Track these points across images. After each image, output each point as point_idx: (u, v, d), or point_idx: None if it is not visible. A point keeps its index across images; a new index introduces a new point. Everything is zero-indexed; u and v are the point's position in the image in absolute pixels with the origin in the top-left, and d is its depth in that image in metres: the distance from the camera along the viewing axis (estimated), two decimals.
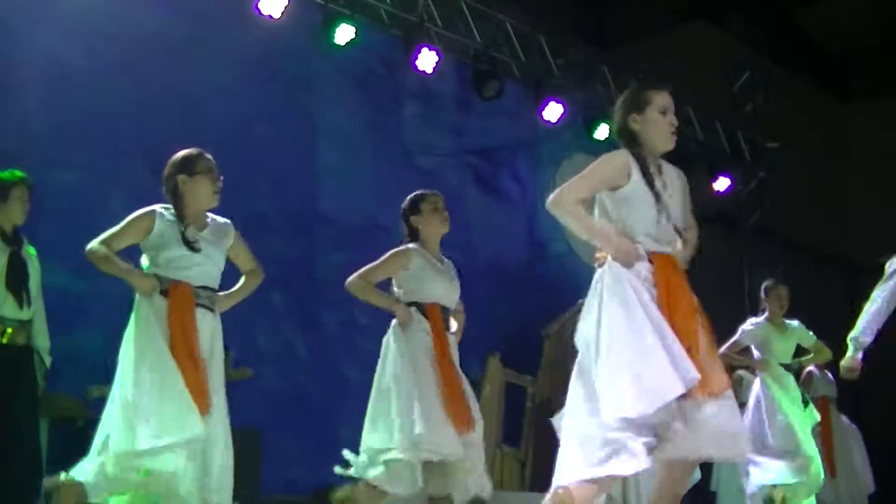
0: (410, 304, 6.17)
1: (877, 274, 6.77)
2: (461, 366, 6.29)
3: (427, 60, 10.98)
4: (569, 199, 4.57)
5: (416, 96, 11.78)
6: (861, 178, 17.58)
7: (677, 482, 4.65)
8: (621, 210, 4.64)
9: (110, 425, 5.08)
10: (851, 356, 6.70)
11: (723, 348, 8.94)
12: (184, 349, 5.10)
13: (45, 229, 7.36)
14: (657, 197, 4.62)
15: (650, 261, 4.56)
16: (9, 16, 8.57)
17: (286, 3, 9.79)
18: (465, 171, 12.11)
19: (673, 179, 4.79)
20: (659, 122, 4.72)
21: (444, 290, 6.26)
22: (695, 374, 4.29)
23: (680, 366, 4.29)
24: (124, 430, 5.01)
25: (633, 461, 4.26)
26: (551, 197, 4.58)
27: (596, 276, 4.64)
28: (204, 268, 5.34)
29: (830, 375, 10.84)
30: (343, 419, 7.59)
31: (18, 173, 6.88)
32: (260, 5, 9.74)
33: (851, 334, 6.69)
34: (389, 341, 6.15)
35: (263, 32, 9.91)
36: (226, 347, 5.47)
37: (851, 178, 17.72)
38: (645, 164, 4.66)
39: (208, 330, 5.31)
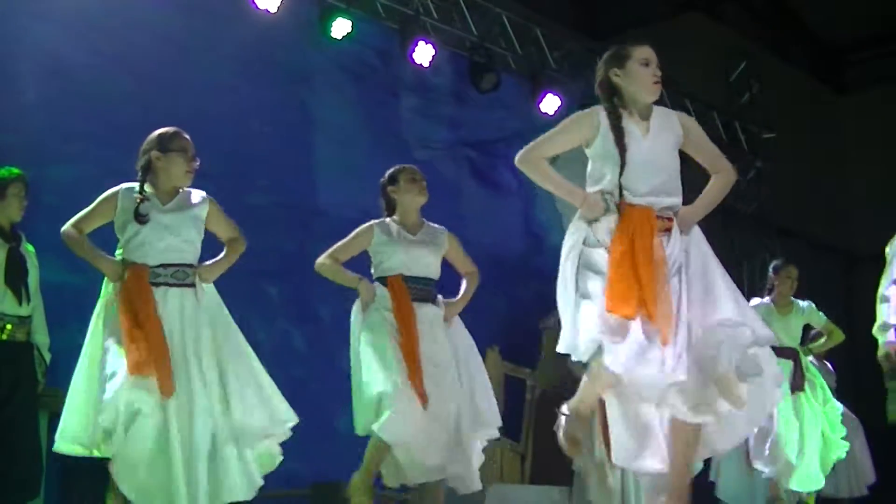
0: (379, 278, 6.25)
1: (873, 262, 6.74)
2: None
3: (423, 53, 10.98)
4: (534, 155, 4.75)
5: (412, 89, 11.76)
6: (857, 168, 17.57)
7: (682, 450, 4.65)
8: (595, 164, 4.72)
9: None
10: (885, 342, 6.55)
11: None
12: (131, 334, 5.10)
13: (42, 225, 7.34)
14: (622, 150, 4.64)
15: (619, 210, 4.60)
16: (5, 10, 8.55)
17: None
18: (463, 163, 12.11)
19: (667, 127, 4.84)
20: (641, 73, 4.79)
21: (410, 258, 6.29)
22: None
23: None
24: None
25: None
26: (519, 154, 4.76)
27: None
28: (166, 242, 5.33)
29: (829, 365, 10.84)
30: (340, 412, 7.57)
31: (15, 170, 6.88)
32: None
33: (878, 324, 6.54)
34: (351, 322, 6.29)
35: (260, 26, 9.90)
36: None
37: (847, 168, 17.71)
38: (618, 118, 4.70)
39: (178, 307, 5.29)
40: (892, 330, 6.40)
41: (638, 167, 4.65)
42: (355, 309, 6.30)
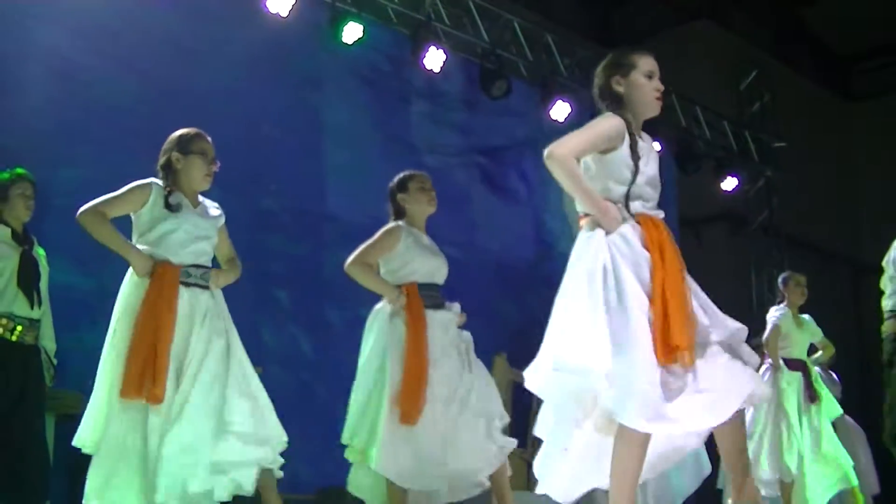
0: (396, 285, 6.18)
1: (881, 272, 6.74)
2: None
3: (434, 59, 10.99)
4: (567, 154, 4.43)
5: (423, 95, 11.77)
6: (866, 178, 17.56)
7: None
8: (606, 173, 4.52)
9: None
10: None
11: (767, 335, 8.88)
12: (149, 337, 5.01)
13: (51, 227, 7.36)
14: (636, 167, 4.50)
15: (640, 222, 4.46)
16: (12, 13, 8.56)
17: (294, 1, 9.80)
18: (473, 170, 12.10)
19: (650, 146, 4.68)
20: (644, 86, 4.60)
21: (432, 265, 6.27)
22: (604, 364, 4.19)
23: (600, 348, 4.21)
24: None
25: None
26: (548, 149, 4.44)
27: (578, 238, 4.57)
28: (198, 244, 5.27)
29: (835, 376, 10.83)
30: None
31: (19, 170, 6.88)
32: (268, 3, 9.76)
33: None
34: (376, 325, 6.22)
35: (271, 30, 9.90)
36: None
37: (857, 178, 17.71)
38: (632, 130, 4.55)
39: (203, 310, 5.22)
40: None
41: (647, 181, 4.58)
42: (383, 315, 6.21)
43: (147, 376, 4.96)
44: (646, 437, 4.22)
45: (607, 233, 4.40)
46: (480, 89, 11.66)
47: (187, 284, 5.19)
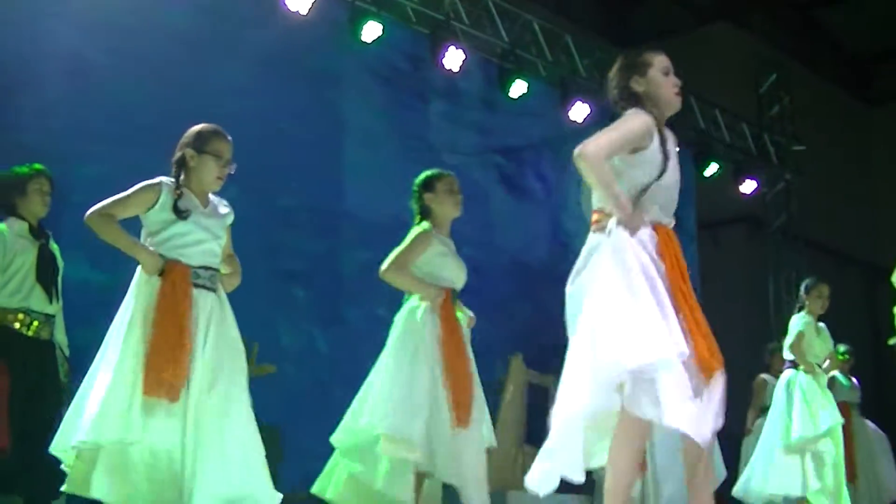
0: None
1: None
2: (480, 365, 6.27)
3: (454, 58, 10.99)
4: (599, 154, 4.34)
5: (442, 94, 11.76)
6: (885, 181, 17.51)
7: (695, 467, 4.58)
8: (636, 174, 4.47)
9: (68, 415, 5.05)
10: None
11: (791, 340, 8.87)
12: (170, 333, 4.95)
13: (68, 223, 7.36)
14: (665, 166, 4.47)
15: (657, 231, 4.43)
16: (28, 11, 8.57)
17: None
18: (491, 169, 12.09)
19: (674, 148, 4.63)
20: (664, 83, 4.59)
21: (456, 272, 6.23)
22: (684, 349, 4.20)
23: (674, 335, 4.21)
24: (66, 423, 5.01)
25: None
26: (579, 148, 4.33)
27: (592, 238, 4.51)
28: (206, 245, 5.18)
29: (855, 380, 10.80)
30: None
31: (37, 166, 6.89)
32: (287, 1, 9.76)
33: None
34: (408, 322, 6.12)
35: (290, 28, 9.91)
36: (250, 341, 5.37)
37: (876, 181, 17.65)
38: (661, 127, 4.52)
39: (208, 311, 5.14)
40: None
41: (670, 185, 4.57)
42: (419, 314, 6.13)
43: (167, 374, 4.93)
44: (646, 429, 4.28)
45: (631, 234, 4.38)
46: (499, 89, 11.66)
47: (195, 286, 5.13)
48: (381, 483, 5.98)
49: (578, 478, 4.40)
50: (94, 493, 4.86)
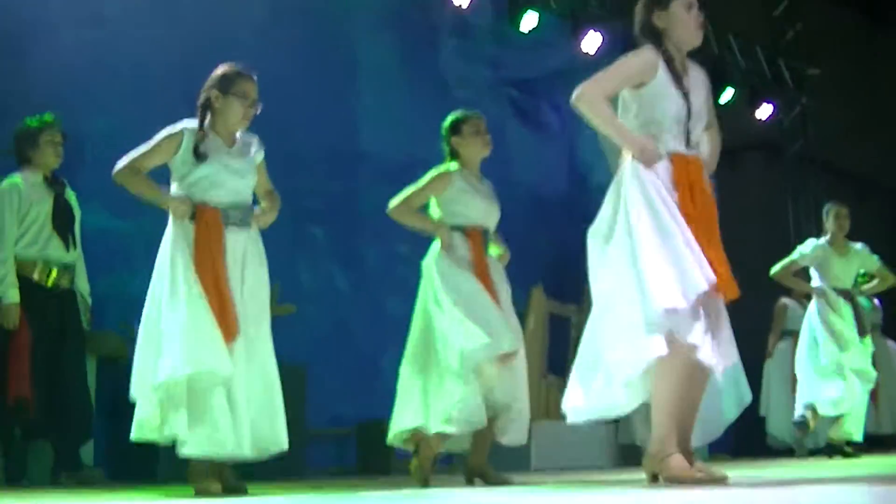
0: (452, 227, 6.14)
1: None
2: None
3: None
4: (594, 95, 4.52)
5: (452, 30, 11.70)
6: None
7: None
8: (646, 108, 4.60)
9: (138, 361, 5.02)
10: None
11: (777, 267, 8.92)
12: (210, 278, 5.00)
13: (87, 173, 7.40)
14: (685, 95, 4.59)
15: (672, 161, 4.52)
16: None
17: None
18: (504, 103, 12.04)
19: (697, 78, 4.77)
20: (685, 17, 4.67)
21: (485, 210, 6.24)
22: (712, 276, 4.29)
23: (702, 264, 4.30)
24: (145, 363, 4.97)
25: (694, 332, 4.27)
26: (576, 92, 4.53)
27: (616, 176, 4.61)
28: (233, 184, 5.21)
29: (878, 302, 10.81)
30: (385, 353, 7.63)
31: (48, 117, 6.92)
32: None
33: None
34: (431, 265, 6.09)
35: None
36: (271, 280, 5.38)
37: (892, 104, 17.52)
38: (672, 61, 4.62)
39: (241, 250, 5.18)
40: None
41: (684, 116, 4.59)
42: (435, 255, 6.12)
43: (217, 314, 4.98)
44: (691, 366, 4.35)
45: (646, 167, 4.44)
46: (509, 22, 11.59)
47: (226, 224, 5.15)
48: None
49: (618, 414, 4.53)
50: (174, 431, 4.88)
